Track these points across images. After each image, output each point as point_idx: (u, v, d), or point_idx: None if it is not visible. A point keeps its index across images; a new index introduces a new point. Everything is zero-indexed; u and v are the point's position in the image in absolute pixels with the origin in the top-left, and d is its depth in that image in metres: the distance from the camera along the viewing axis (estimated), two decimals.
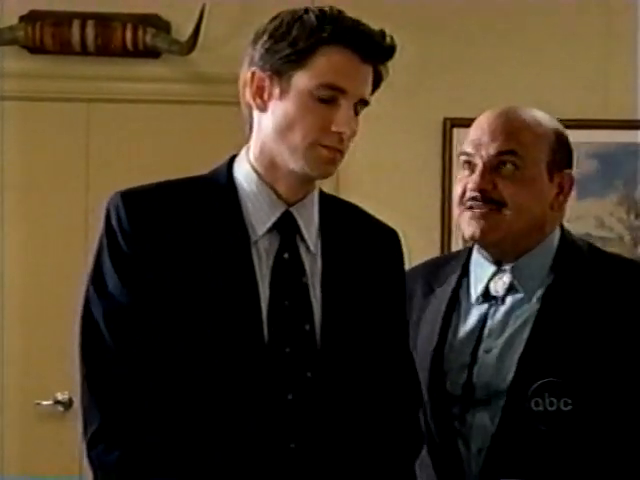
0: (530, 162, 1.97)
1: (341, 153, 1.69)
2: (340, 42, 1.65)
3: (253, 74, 1.69)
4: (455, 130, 4.05)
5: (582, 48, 4.04)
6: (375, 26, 1.70)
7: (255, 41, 1.69)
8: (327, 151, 1.67)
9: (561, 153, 2.05)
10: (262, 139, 1.72)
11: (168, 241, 1.67)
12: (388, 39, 1.70)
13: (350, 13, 1.70)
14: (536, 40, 4.07)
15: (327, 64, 1.65)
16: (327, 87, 1.65)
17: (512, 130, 1.99)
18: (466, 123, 3.95)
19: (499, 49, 4.08)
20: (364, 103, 1.70)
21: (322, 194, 1.82)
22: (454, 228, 4.06)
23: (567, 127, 3.99)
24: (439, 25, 4.08)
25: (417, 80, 3.92)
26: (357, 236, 1.81)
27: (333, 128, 1.66)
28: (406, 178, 4.07)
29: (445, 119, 4.06)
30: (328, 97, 1.65)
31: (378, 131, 3.70)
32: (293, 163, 1.68)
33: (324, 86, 1.65)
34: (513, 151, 1.96)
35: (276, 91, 1.68)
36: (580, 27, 4.05)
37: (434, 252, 4.04)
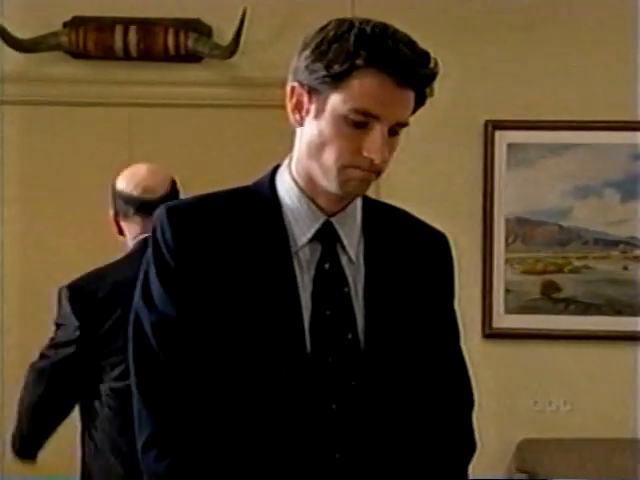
0: None
1: (375, 173, 1.66)
2: (376, 67, 1.58)
3: (293, 89, 1.67)
4: (497, 132, 4.03)
5: (621, 51, 4.00)
6: (416, 35, 1.64)
7: (300, 52, 1.65)
8: (359, 172, 1.64)
9: None
10: (300, 153, 1.71)
11: (211, 255, 1.67)
12: (431, 64, 1.63)
13: (393, 21, 1.65)
14: (574, 45, 4.04)
15: (361, 89, 1.59)
16: (359, 112, 1.60)
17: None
18: (507, 125, 4.03)
19: (540, 53, 4.06)
20: (402, 125, 1.65)
21: (366, 200, 1.80)
22: (496, 228, 4.05)
23: (607, 129, 4.03)
24: (480, 29, 4.06)
25: (459, 83, 3.90)
26: (404, 241, 1.79)
27: (364, 154, 1.62)
28: (448, 180, 4.07)
29: (487, 122, 4.05)
30: (360, 122, 1.61)
31: (420, 134, 3.68)
32: (326, 182, 1.67)
33: (356, 111, 1.60)
34: None
35: (312, 109, 1.65)
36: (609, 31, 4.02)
37: (476, 253, 4.05)
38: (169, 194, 2.61)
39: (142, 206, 2.61)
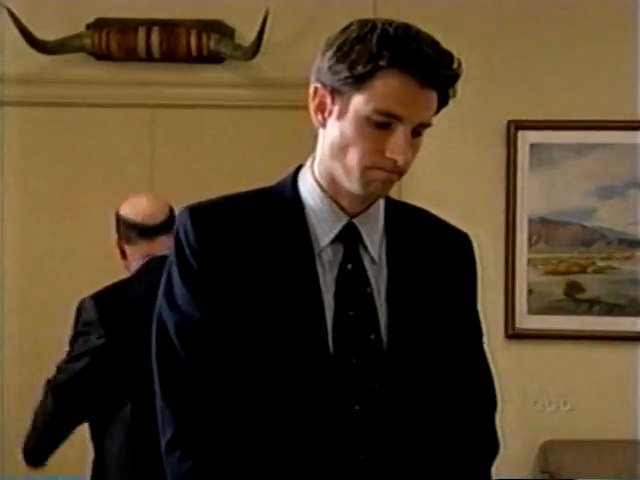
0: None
1: (398, 174, 1.65)
2: (399, 67, 1.57)
3: (316, 90, 1.67)
4: (520, 133, 4.02)
5: None
6: (438, 36, 1.63)
7: (323, 52, 1.65)
8: (382, 173, 1.63)
9: None
10: (322, 154, 1.71)
11: (234, 256, 1.67)
12: (454, 64, 1.62)
13: (415, 21, 1.64)
14: (598, 44, 4.02)
15: (383, 89, 1.58)
16: (382, 113, 1.59)
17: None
18: (530, 125, 4.02)
19: (563, 52, 4.05)
20: (425, 125, 1.64)
21: (389, 201, 1.80)
22: (519, 229, 4.04)
23: (631, 128, 4.01)
24: (502, 29, 4.05)
25: (481, 84, 3.89)
26: (426, 241, 1.79)
27: (387, 154, 1.61)
28: (471, 180, 4.06)
29: (509, 122, 4.03)
30: (383, 122, 1.60)
31: (442, 134, 3.67)
32: (348, 183, 1.66)
33: (379, 112, 1.59)
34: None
35: (335, 109, 1.65)
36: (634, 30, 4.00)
37: (499, 254, 4.04)
38: (168, 220, 2.83)
39: (144, 231, 2.86)
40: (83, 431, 3.64)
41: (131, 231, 2.86)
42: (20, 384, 4.11)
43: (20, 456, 2.93)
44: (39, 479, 3.84)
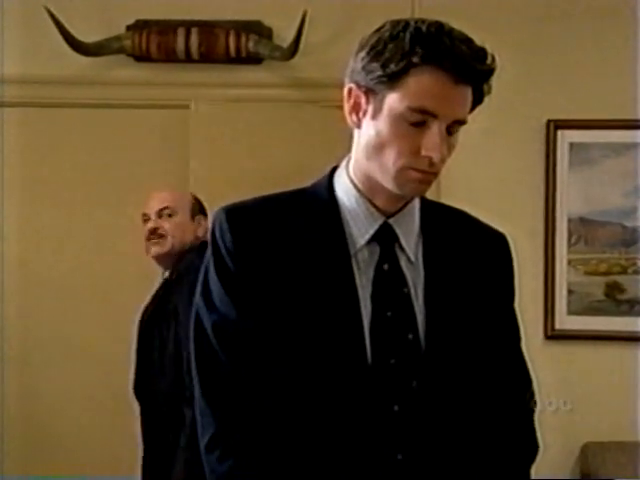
0: (180, 209, 3.39)
1: (434, 174, 1.65)
2: (432, 64, 1.57)
3: (350, 90, 1.67)
4: (559, 132, 4.00)
5: None
6: (476, 36, 1.62)
7: (357, 53, 1.65)
8: (418, 173, 1.63)
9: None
10: (357, 154, 1.72)
11: (271, 256, 1.68)
12: (488, 59, 1.61)
13: (452, 21, 1.64)
14: (637, 42, 3.98)
15: (417, 87, 1.58)
16: (416, 111, 1.59)
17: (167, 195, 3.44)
18: (569, 125, 3.99)
19: (603, 51, 4.02)
20: (460, 123, 1.63)
21: (424, 201, 1.80)
22: (558, 229, 4.01)
23: None
24: (541, 28, 4.03)
25: (520, 83, 3.88)
26: (462, 242, 1.78)
27: (422, 152, 1.61)
28: (510, 181, 4.04)
29: (549, 121, 4.01)
30: (418, 120, 1.60)
31: (482, 134, 3.68)
32: (385, 182, 1.67)
33: (413, 110, 1.59)
34: (168, 207, 3.38)
35: (370, 109, 1.65)
36: None
37: (539, 254, 4.01)
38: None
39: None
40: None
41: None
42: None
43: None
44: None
